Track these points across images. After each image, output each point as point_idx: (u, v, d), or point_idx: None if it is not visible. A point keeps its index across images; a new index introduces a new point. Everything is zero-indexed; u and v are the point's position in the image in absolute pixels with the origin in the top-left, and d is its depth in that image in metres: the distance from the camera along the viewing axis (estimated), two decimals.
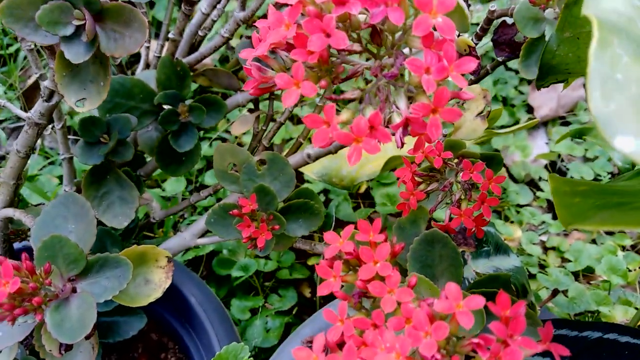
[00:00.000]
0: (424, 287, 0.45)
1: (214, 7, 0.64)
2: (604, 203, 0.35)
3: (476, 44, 0.57)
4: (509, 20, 0.53)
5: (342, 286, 0.35)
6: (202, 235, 0.74)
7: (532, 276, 1.08)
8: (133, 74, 1.03)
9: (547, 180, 1.25)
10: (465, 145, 0.51)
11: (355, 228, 0.36)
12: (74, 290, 0.42)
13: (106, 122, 0.57)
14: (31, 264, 0.37)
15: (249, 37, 0.71)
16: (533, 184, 1.25)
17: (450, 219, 0.48)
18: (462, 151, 0.51)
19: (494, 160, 0.55)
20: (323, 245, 0.68)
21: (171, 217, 1.08)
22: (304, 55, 0.30)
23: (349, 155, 0.30)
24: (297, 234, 0.63)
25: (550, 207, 1.22)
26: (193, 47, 0.68)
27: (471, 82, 0.59)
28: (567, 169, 1.25)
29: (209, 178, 1.18)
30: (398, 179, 0.50)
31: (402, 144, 0.34)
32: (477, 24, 1.41)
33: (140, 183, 0.70)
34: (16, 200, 0.63)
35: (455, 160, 0.52)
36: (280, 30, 0.31)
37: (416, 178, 0.49)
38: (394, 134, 0.33)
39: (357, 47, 0.31)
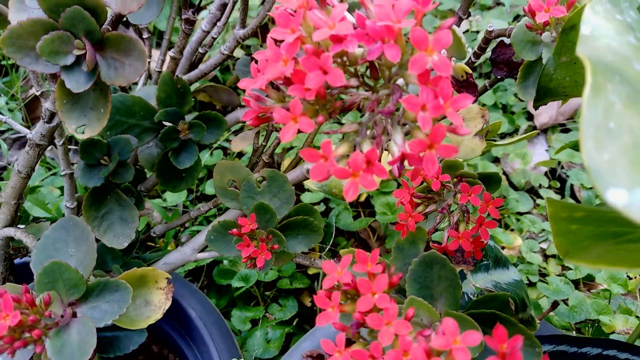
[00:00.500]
0: (422, 310, 0.46)
1: (214, 24, 0.65)
2: (601, 232, 0.35)
3: (474, 62, 0.57)
4: (507, 40, 0.54)
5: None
6: (202, 250, 0.74)
7: (533, 284, 1.08)
8: (135, 83, 1.03)
9: (547, 188, 1.25)
10: (464, 165, 0.51)
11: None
12: (74, 315, 0.43)
13: (107, 143, 0.57)
14: (31, 297, 0.37)
15: (249, 53, 0.72)
16: (533, 192, 1.25)
17: (449, 240, 0.48)
18: (460, 171, 0.51)
19: (492, 179, 0.55)
20: (322, 261, 0.68)
21: None
22: (302, 91, 0.30)
23: (346, 190, 0.30)
24: (296, 250, 0.63)
25: None
26: (193, 64, 0.68)
27: None
28: (567, 176, 1.26)
29: (209, 187, 1.19)
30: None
31: (400, 174, 0.34)
32: (477, 32, 1.40)
33: (140, 198, 0.71)
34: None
35: (454, 180, 0.52)
36: (279, 66, 0.31)
37: (414, 199, 0.49)
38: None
39: (354, 82, 0.32)
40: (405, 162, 0.33)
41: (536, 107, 0.50)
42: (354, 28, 0.31)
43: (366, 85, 0.33)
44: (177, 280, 0.85)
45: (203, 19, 0.68)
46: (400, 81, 0.33)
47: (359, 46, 0.32)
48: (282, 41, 0.32)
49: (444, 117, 0.31)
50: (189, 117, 0.67)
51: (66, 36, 0.38)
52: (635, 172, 0.20)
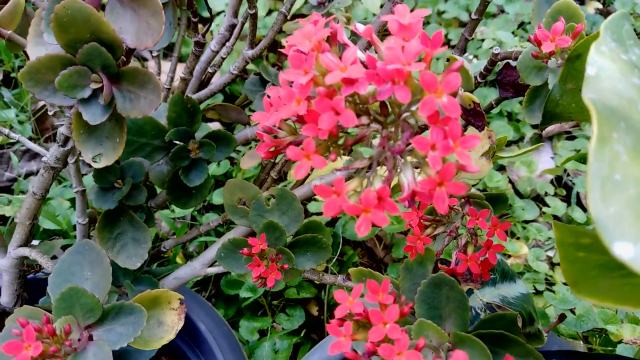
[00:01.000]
0: (431, 331, 0.47)
1: (223, 44, 0.66)
2: (607, 262, 0.36)
3: (480, 83, 0.58)
4: (513, 63, 0.54)
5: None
6: (212, 264, 0.75)
7: (539, 292, 1.08)
8: None
9: (553, 196, 1.26)
10: (471, 187, 0.52)
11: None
12: (90, 338, 0.44)
13: (120, 167, 0.58)
14: (52, 328, 0.39)
15: (258, 72, 0.73)
16: (539, 199, 1.25)
17: (457, 263, 0.49)
18: (467, 193, 0.52)
19: (499, 200, 0.56)
20: (330, 275, 0.69)
21: None
22: (315, 130, 0.31)
23: (358, 226, 0.31)
24: (305, 267, 0.64)
25: None
26: (203, 83, 0.69)
27: None
28: (573, 184, 1.26)
29: (217, 197, 1.20)
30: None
31: (410, 206, 0.35)
32: (483, 40, 1.39)
33: (151, 215, 0.72)
34: None
35: (462, 201, 0.53)
36: (292, 106, 0.32)
37: (423, 222, 0.50)
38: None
39: (364, 119, 0.33)
40: None
41: (542, 130, 0.50)
42: (365, 67, 0.32)
43: (376, 121, 0.34)
44: (185, 293, 0.86)
45: (212, 37, 0.69)
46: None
47: (369, 84, 0.33)
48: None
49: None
50: (199, 135, 0.68)
51: (83, 71, 0.39)
52: None
